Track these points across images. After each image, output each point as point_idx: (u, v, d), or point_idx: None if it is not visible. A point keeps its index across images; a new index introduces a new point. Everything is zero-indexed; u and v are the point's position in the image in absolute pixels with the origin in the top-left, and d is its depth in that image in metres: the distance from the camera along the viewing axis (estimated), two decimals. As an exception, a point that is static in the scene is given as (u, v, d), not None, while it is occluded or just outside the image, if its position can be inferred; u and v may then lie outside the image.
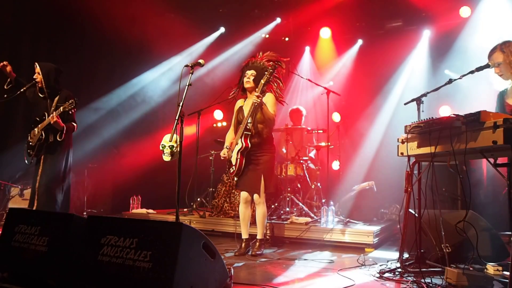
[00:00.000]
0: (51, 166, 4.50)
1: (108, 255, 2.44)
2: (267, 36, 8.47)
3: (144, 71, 8.03)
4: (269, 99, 4.25)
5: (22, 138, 4.68)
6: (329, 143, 5.76)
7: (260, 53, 4.46)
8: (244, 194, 4.33)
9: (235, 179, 4.34)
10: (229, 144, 4.41)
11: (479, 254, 3.17)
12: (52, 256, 2.69)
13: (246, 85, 4.33)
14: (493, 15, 6.61)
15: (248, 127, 4.18)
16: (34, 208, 4.39)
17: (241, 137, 4.18)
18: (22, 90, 4.56)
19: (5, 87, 4.55)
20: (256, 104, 4.08)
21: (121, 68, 7.86)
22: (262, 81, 4.13)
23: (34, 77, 4.55)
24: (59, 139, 4.50)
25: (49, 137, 4.50)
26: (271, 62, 4.30)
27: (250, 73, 4.31)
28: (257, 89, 4.14)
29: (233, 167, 4.22)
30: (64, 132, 4.51)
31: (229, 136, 4.52)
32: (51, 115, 4.41)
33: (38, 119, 4.58)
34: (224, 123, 8.82)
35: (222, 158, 4.41)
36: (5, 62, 4.49)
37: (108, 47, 7.69)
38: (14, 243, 2.91)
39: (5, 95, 4.57)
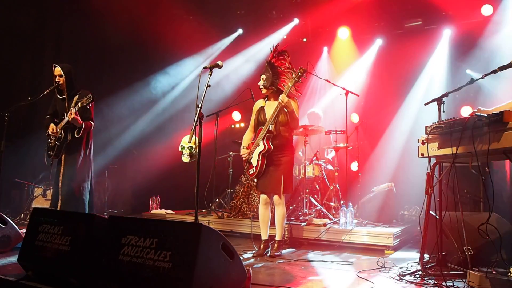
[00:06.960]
0: (72, 165, 4.55)
1: (129, 255, 2.48)
2: (285, 37, 8.46)
3: (164, 73, 8.13)
4: (293, 103, 4.20)
5: (45, 140, 4.77)
6: (347, 144, 5.72)
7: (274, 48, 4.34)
8: (263, 196, 4.32)
9: (255, 180, 4.34)
10: (247, 144, 4.42)
11: (503, 257, 3.11)
12: (75, 255, 2.74)
13: (263, 91, 4.32)
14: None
15: (270, 129, 4.17)
16: (58, 208, 4.45)
17: (263, 139, 4.17)
18: (45, 92, 4.64)
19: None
20: (281, 104, 4.03)
21: (141, 70, 8.00)
22: (290, 84, 4.07)
23: (56, 80, 4.61)
24: (76, 136, 4.52)
25: (68, 135, 4.53)
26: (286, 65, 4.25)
27: (261, 78, 4.28)
28: (284, 91, 4.08)
29: (254, 168, 4.23)
30: (82, 129, 4.51)
31: (247, 136, 4.51)
32: (69, 112, 4.41)
33: (57, 120, 4.65)
34: (242, 124, 8.85)
35: (243, 158, 4.38)
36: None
37: (128, 51, 7.83)
38: (38, 242, 2.98)
39: (29, 98, 4.67)
